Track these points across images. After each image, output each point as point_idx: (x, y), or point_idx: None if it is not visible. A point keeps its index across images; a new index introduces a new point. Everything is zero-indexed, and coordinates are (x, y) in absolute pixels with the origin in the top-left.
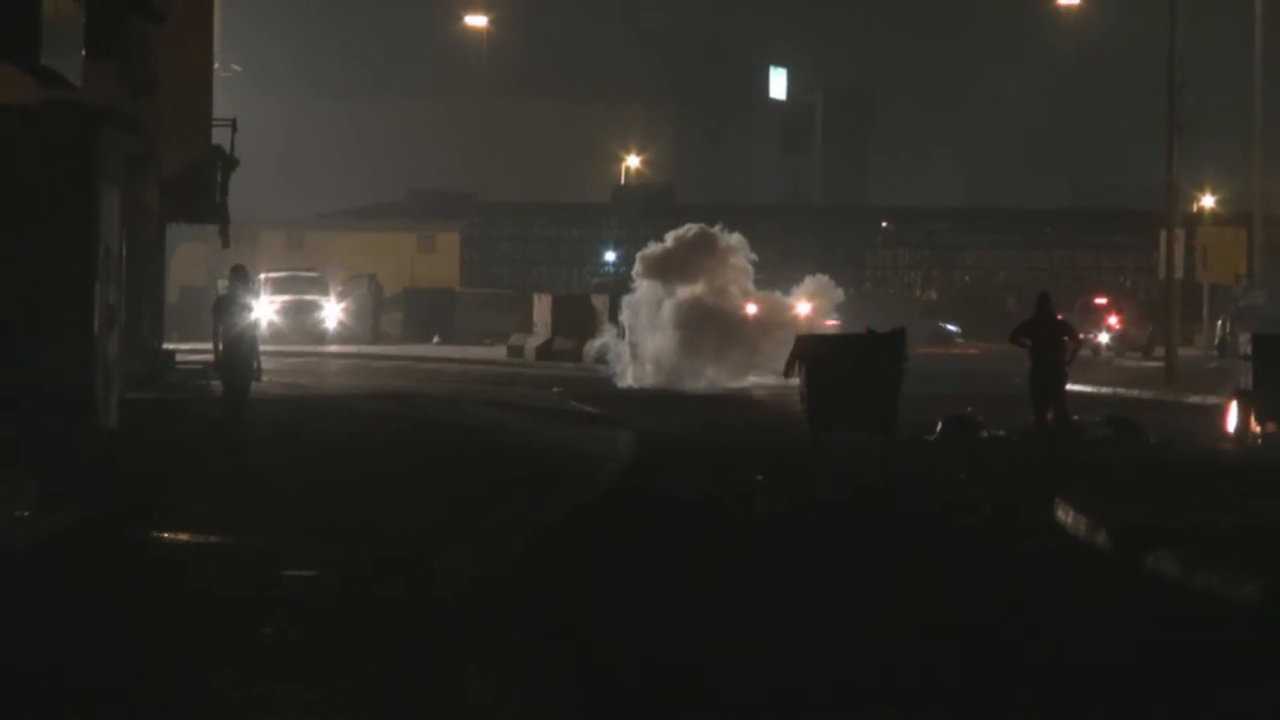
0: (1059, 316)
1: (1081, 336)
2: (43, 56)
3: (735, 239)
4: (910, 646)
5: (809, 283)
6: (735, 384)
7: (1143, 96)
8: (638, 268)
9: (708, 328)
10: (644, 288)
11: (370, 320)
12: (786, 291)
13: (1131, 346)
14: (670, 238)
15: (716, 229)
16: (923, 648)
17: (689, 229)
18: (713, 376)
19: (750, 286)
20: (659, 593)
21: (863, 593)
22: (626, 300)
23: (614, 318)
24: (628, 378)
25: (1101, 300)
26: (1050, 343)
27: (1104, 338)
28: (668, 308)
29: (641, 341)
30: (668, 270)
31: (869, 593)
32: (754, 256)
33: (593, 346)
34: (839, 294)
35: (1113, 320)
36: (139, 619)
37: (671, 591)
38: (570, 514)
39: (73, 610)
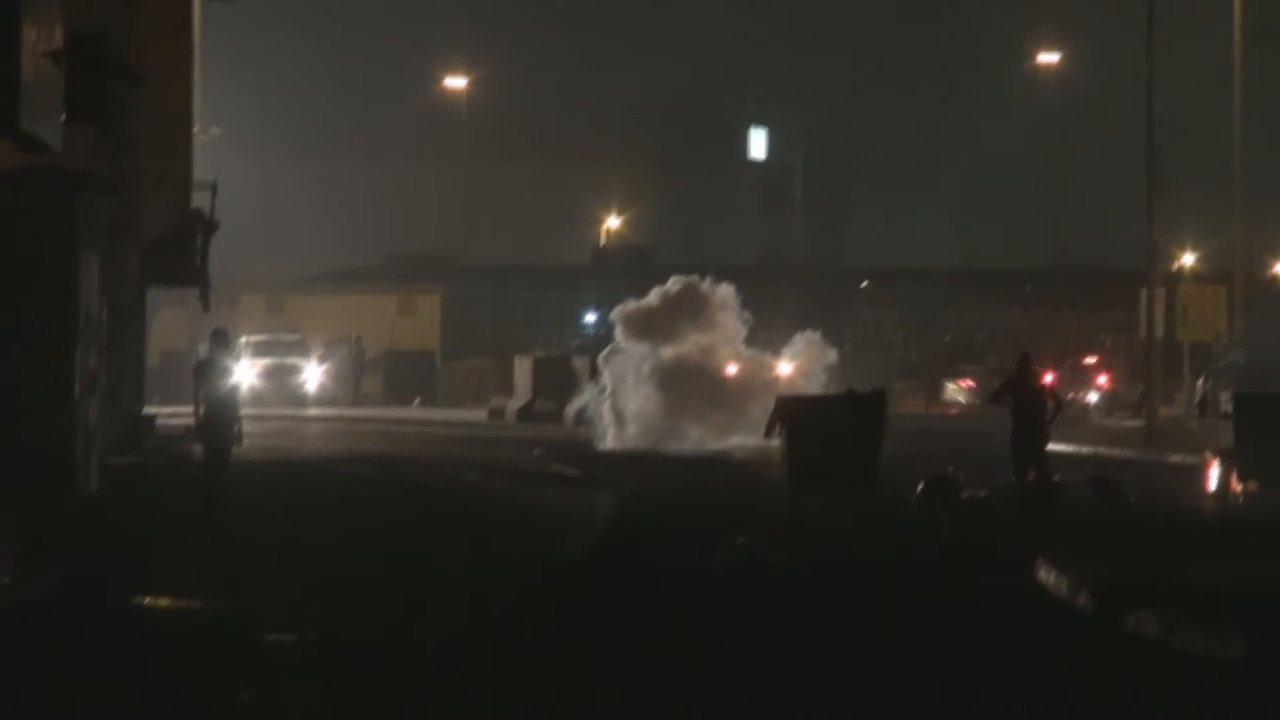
0: (1045, 376)
1: (1071, 396)
2: (22, 121)
3: (724, 291)
4: (896, 712)
5: (799, 340)
6: (717, 445)
7: (1124, 155)
8: (619, 327)
9: (690, 388)
10: (625, 346)
11: (352, 383)
12: (775, 352)
13: (1121, 406)
14: (655, 294)
15: (705, 282)
16: (907, 713)
17: (674, 282)
18: (695, 437)
19: (740, 346)
20: (642, 655)
21: (844, 657)
22: (606, 359)
23: (594, 378)
24: (609, 439)
25: (1091, 360)
26: (1031, 403)
27: (1093, 397)
28: (649, 367)
29: (623, 402)
30: (652, 328)
31: (850, 657)
32: (747, 316)
33: (573, 408)
34: (830, 354)
35: (1102, 380)
36: (120, 684)
37: (654, 654)
38: (551, 578)
39: (54, 675)
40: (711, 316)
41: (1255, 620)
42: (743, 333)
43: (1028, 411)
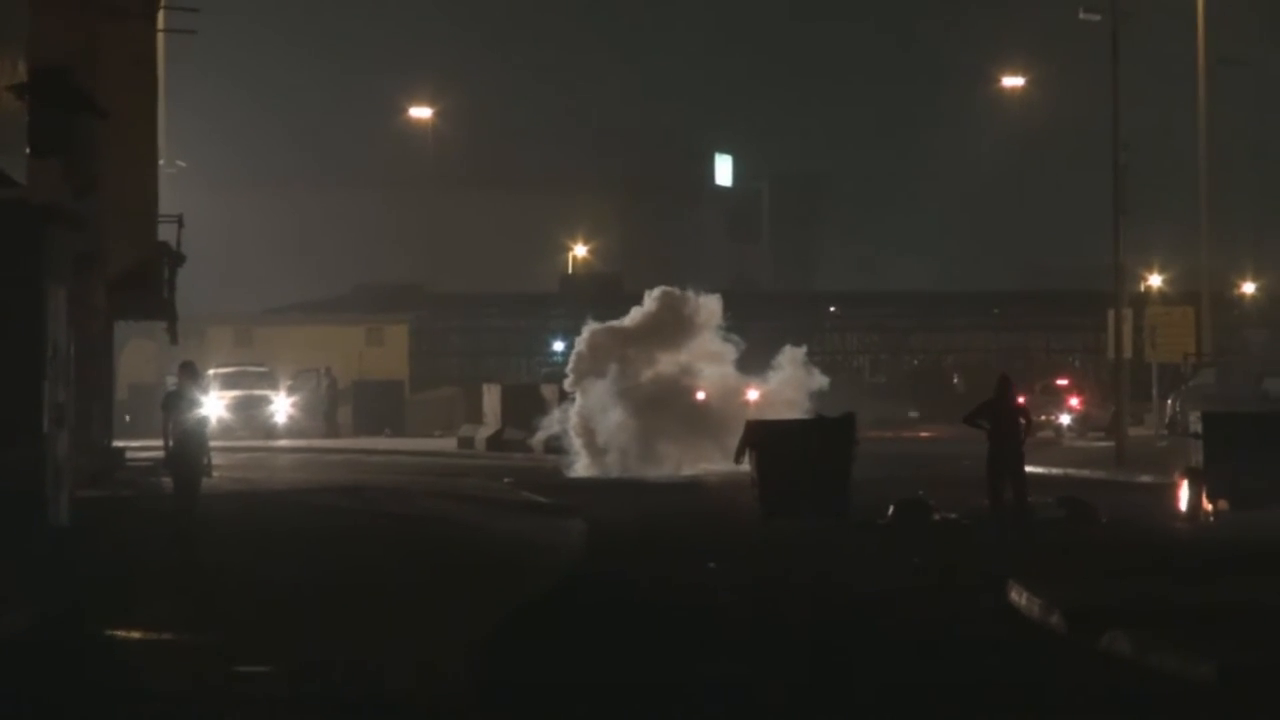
0: (1019, 399)
1: (1044, 418)
2: None
3: (706, 303)
4: None
5: (784, 355)
6: (688, 471)
7: (1089, 177)
8: (583, 347)
9: (664, 412)
10: (591, 370)
11: (323, 413)
12: (747, 376)
13: (1094, 427)
14: (635, 312)
15: (687, 294)
16: None
17: (652, 295)
18: (667, 463)
19: (729, 367)
20: (613, 683)
21: (819, 681)
22: (575, 384)
23: (563, 405)
24: (579, 467)
25: (1063, 381)
26: (1011, 424)
27: (1065, 419)
28: (620, 391)
29: (593, 428)
30: (625, 348)
31: (826, 681)
32: (734, 339)
33: (542, 436)
34: (817, 378)
35: (1074, 401)
36: (93, 717)
37: (626, 681)
38: (521, 607)
39: (27, 709)
40: (694, 332)
41: (1227, 639)
42: (731, 352)
43: (1007, 433)
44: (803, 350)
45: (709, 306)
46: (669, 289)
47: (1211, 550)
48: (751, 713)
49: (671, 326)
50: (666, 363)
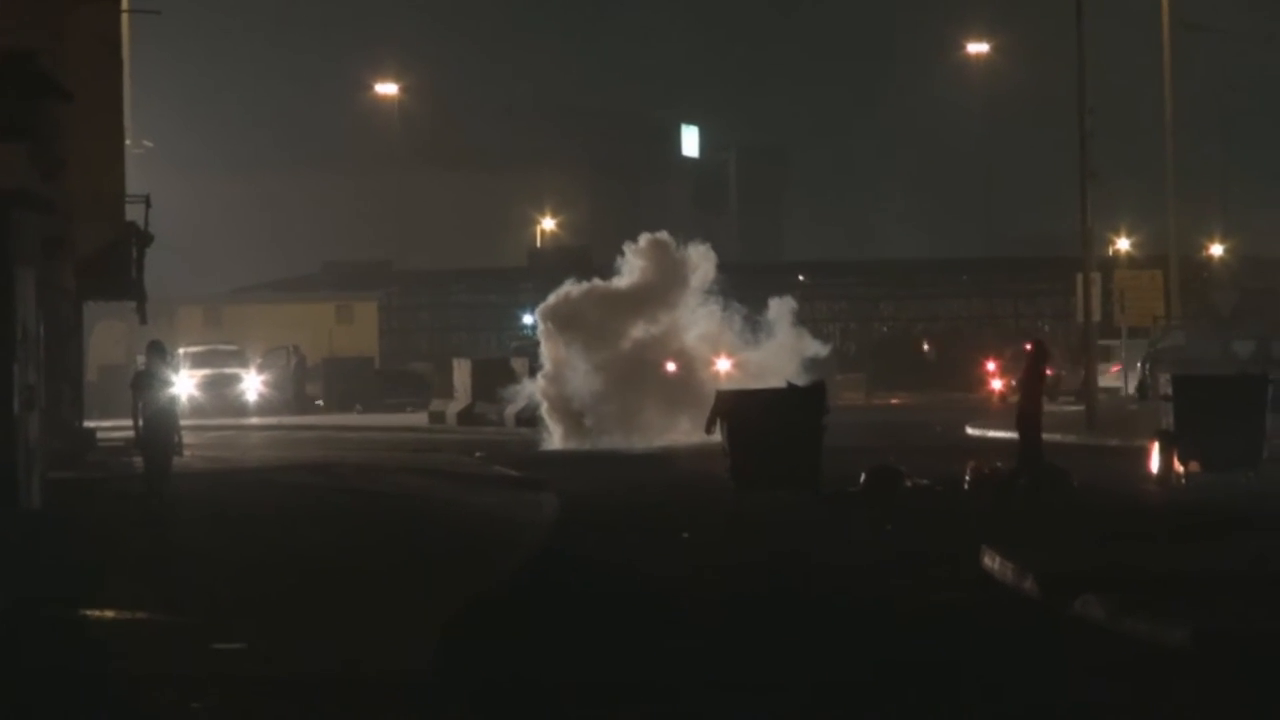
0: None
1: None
2: None
3: (698, 254)
4: (845, 704)
5: (774, 306)
6: (660, 442)
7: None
8: (556, 311)
9: (644, 382)
10: (567, 335)
11: (293, 390)
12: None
13: (1065, 391)
14: (624, 274)
15: (677, 244)
16: (857, 704)
17: (636, 247)
18: (649, 434)
19: (724, 330)
20: (586, 658)
21: (793, 650)
22: (547, 351)
23: (534, 378)
24: (554, 439)
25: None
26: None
27: None
28: (595, 359)
29: (567, 397)
30: (605, 310)
31: (799, 650)
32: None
33: (514, 409)
34: (810, 343)
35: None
36: (70, 699)
37: (599, 656)
38: (495, 582)
39: (3, 693)
40: (684, 289)
41: (1201, 603)
42: (724, 315)
43: (1037, 396)
44: (789, 302)
45: (700, 259)
46: (657, 236)
47: (1183, 513)
48: (720, 689)
49: (659, 283)
50: (650, 326)
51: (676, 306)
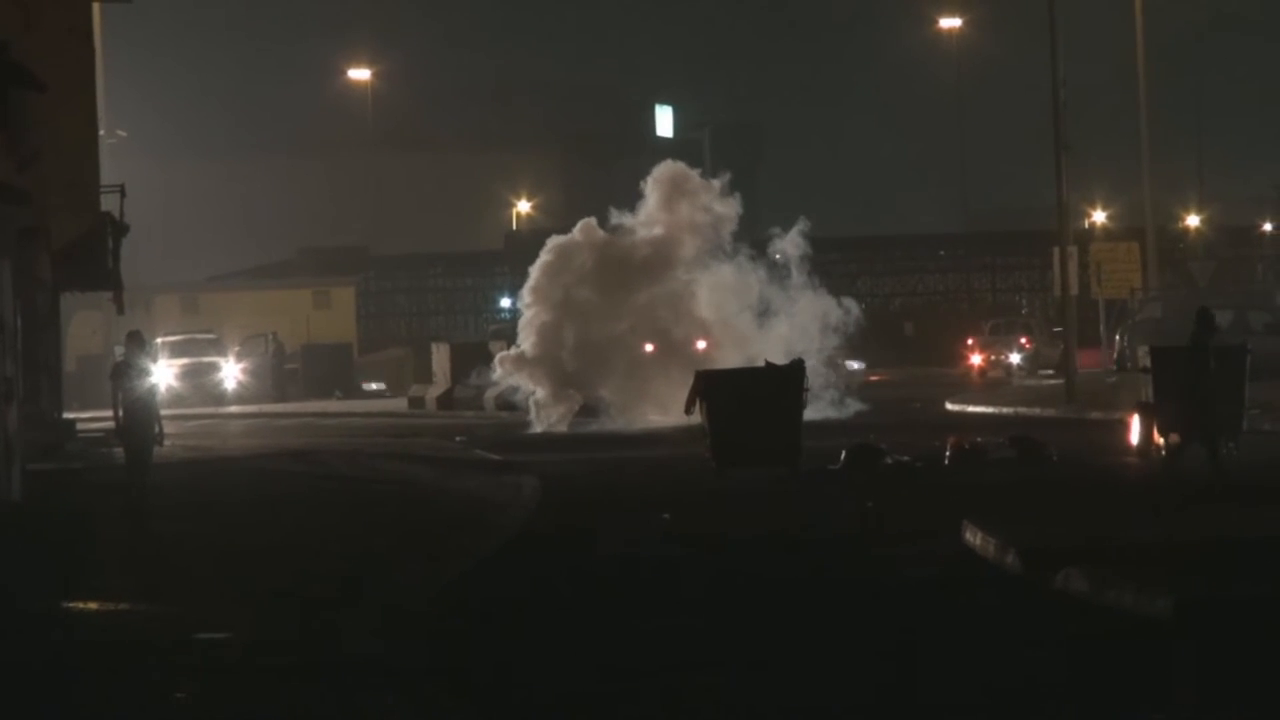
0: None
1: (994, 358)
2: None
3: (713, 191)
4: (829, 680)
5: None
6: (640, 425)
7: (1028, 117)
8: (543, 277)
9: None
10: (545, 310)
11: (271, 378)
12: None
13: (1044, 365)
14: (639, 213)
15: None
16: (840, 679)
17: (652, 177)
18: (624, 415)
19: (740, 295)
20: (571, 639)
21: (777, 628)
22: (529, 322)
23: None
24: (541, 419)
25: (1012, 321)
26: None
27: (1015, 357)
28: (574, 339)
29: (553, 375)
30: (613, 274)
31: (783, 628)
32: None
33: (493, 393)
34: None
35: (1023, 340)
36: (52, 688)
37: (583, 637)
38: (476, 565)
39: None
40: (697, 237)
41: (1182, 574)
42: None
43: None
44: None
45: (722, 204)
46: (677, 165)
47: (1164, 485)
48: (703, 669)
49: (674, 227)
50: (656, 288)
51: (691, 261)
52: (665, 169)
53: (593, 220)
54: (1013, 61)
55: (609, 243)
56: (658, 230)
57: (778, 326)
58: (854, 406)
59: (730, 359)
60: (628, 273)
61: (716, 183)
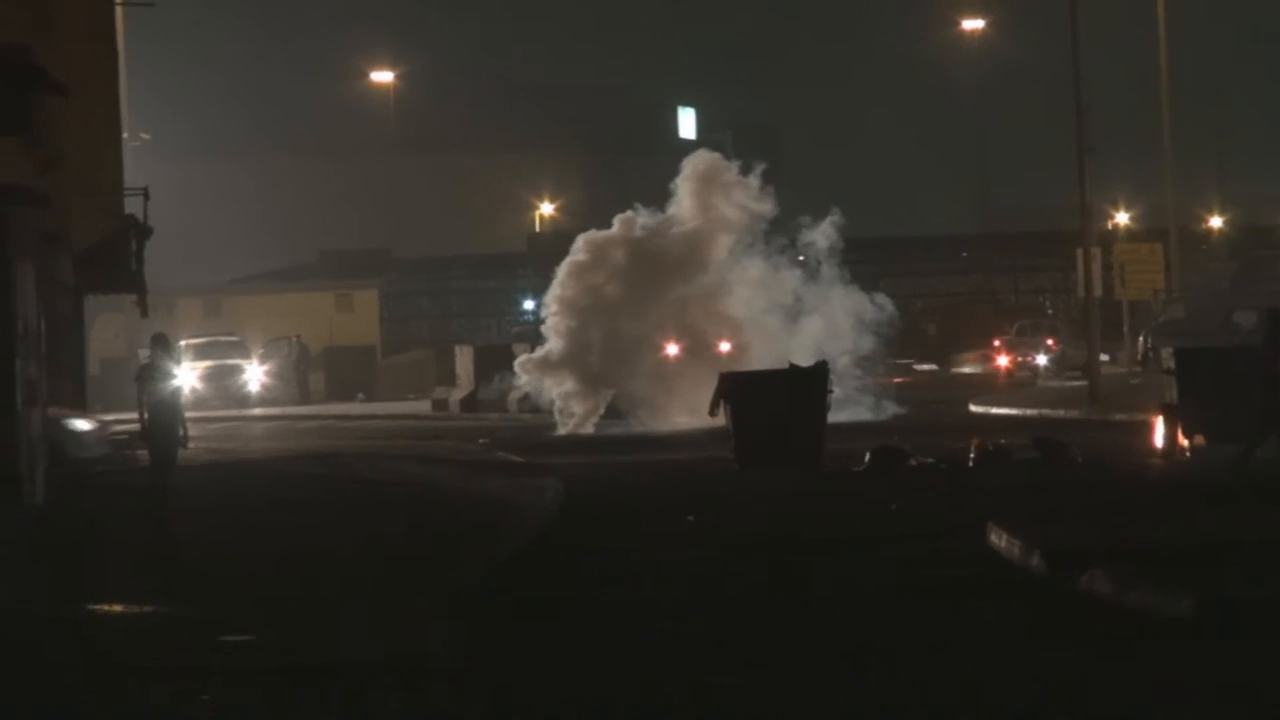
0: None
1: (1020, 359)
2: None
3: (746, 184)
4: (854, 684)
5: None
6: (667, 427)
7: (1049, 119)
8: (570, 273)
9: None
10: (571, 309)
11: (295, 381)
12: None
13: (1070, 366)
14: (671, 207)
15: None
16: (868, 681)
17: (689, 162)
18: (675, 415)
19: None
20: (593, 642)
21: (798, 632)
22: (555, 322)
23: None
24: (569, 423)
25: (1038, 322)
26: None
27: (1042, 359)
28: (618, 325)
29: (580, 377)
30: (631, 271)
31: (804, 632)
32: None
33: (516, 395)
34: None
35: (1050, 341)
36: (76, 691)
37: (606, 639)
38: (497, 567)
39: (10, 683)
40: (729, 233)
41: (1207, 575)
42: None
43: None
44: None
45: (754, 199)
46: (713, 156)
47: (1189, 486)
48: (727, 667)
49: (706, 221)
50: (687, 287)
51: (724, 258)
52: (700, 160)
53: (631, 214)
54: (1033, 61)
55: (645, 239)
56: (691, 225)
57: (810, 325)
58: (891, 409)
59: (762, 359)
60: (661, 270)
61: (752, 179)
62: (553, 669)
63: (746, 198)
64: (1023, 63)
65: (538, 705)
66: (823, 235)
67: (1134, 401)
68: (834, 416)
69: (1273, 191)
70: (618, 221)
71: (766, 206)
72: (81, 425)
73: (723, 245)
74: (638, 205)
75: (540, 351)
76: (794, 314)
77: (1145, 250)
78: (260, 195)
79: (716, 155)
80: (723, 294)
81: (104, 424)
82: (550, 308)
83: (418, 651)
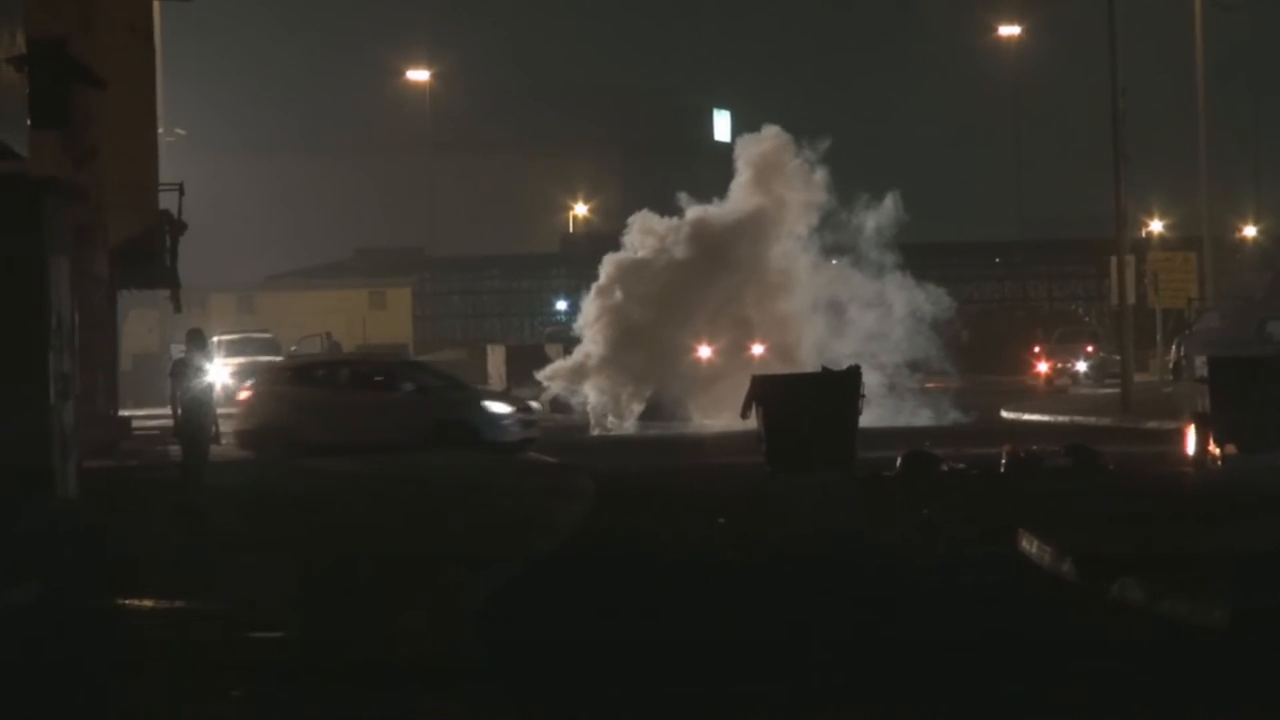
0: None
1: (1060, 365)
2: None
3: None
4: (879, 684)
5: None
6: (703, 428)
7: (1085, 126)
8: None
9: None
10: (611, 309)
11: None
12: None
13: (1109, 374)
14: (731, 190)
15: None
16: (902, 686)
17: (752, 140)
18: (686, 419)
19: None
20: (628, 643)
21: (828, 636)
22: (594, 320)
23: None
24: (606, 424)
25: (1078, 329)
26: None
27: (1082, 366)
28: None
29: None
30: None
31: (835, 636)
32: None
33: (548, 395)
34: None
35: (1089, 348)
36: (107, 687)
37: (632, 641)
38: (529, 567)
39: (41, 678)
40: (786, 226)
41: (1239, 584)
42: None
43: None
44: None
45: (813, 187)
46: (775, 131)
47: (1221, 495)
48: (760, 666)
49: (769, 202)
50: (737, 279)
51: (775, 250)
52: (764, 140)
53: (701, 210)
54: (1069, 68)
55: (700, 219)
56: (751, 206)
57: (864, 320)
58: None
59: (810, 359)
60: (713, 259)
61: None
62: (586, 670)
63: (806, 184)
64: (1059, 68)
65: (569, 707)
66: (884, 214)
67: (1166, 409)
68: (868, 420)
69: None
70: (691, 216)
71: (823, 196)
72: (499, 409)
73: (778, 234)
74: (684, 195)
75: (571, 359)
76: (844, 309)
77: (1179, 259)
78: (295, 193)
79: (780, 131)
80: (776, 288)
81: (523, 406)
82: (590, 306)
83: (448, 651)
